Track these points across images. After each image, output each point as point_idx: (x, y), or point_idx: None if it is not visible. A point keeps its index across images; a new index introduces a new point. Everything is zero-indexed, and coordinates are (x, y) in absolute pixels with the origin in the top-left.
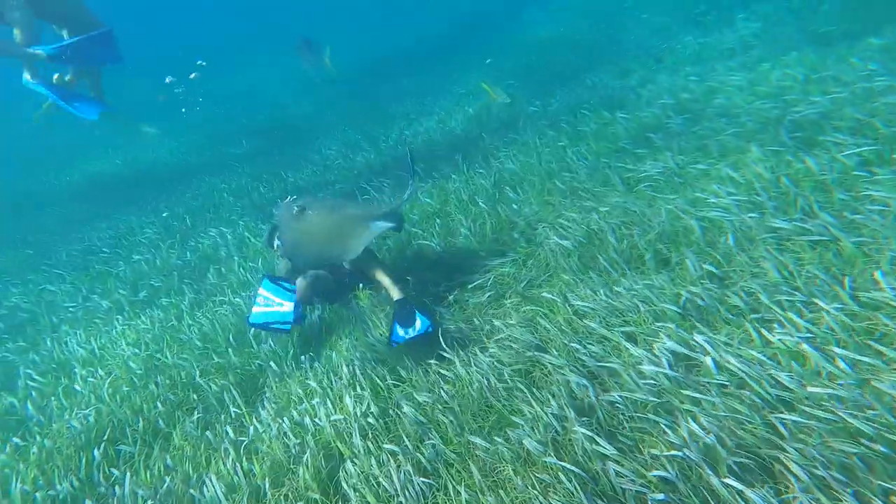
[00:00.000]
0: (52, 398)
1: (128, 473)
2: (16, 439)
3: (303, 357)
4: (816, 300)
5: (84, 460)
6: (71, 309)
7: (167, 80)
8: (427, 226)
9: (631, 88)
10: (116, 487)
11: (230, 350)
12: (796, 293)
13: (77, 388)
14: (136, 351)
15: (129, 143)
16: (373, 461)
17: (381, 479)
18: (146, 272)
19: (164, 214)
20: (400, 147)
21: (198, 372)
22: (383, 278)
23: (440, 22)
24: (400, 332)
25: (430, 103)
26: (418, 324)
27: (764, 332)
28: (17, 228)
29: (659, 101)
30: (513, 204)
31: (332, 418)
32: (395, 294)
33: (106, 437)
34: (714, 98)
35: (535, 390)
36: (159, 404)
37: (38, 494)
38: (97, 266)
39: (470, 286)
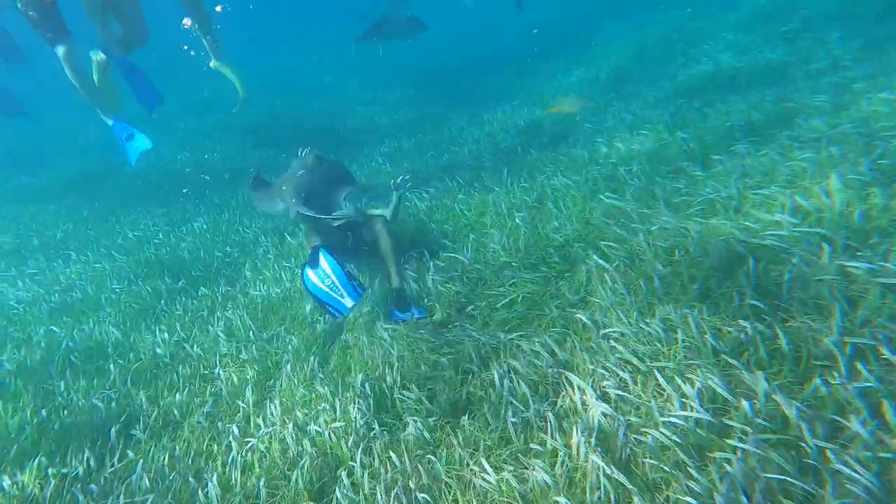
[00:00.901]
0: (83, 377)
1: (140, 461)
2: (43, 412)
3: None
4: (882, 349)
5: (99, 441)
6: (116, 290)
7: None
8: (460, 238)
9: (696, 109)
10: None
11: (254, 347)
12: (858, 339)
13: (110, 368)
14: (166, 337)
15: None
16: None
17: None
18: (188, 261)
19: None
20: (454, 150)
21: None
22: (389, 261)
23: (520, 31)
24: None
25: (483, 112)
26: (414, 313)
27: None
28: (86, 206)
29: (727, 122)
30: (554, 220)
31: (332, 426)
32: (395, 282)
33: (122, 420)
34: (794, 119)
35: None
36: (177, 395)
37: (50, 470)
38: (149, 251)
39: (497, 303)
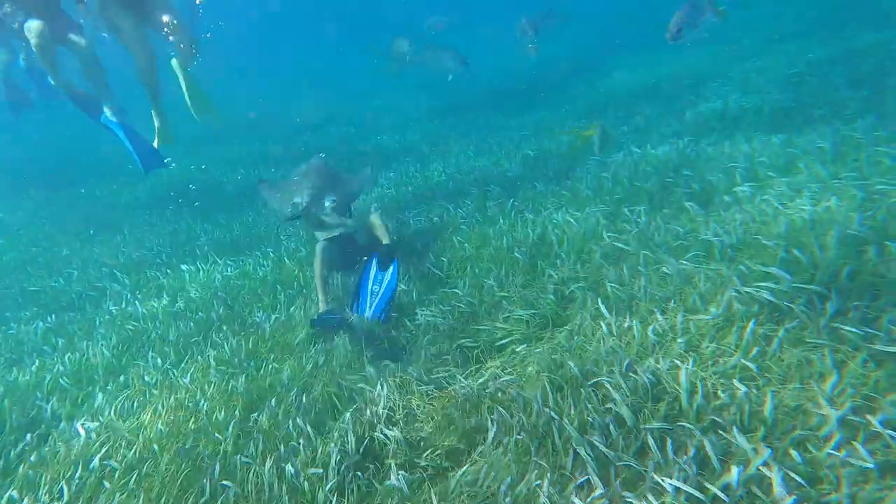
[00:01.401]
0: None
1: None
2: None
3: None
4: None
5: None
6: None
7: None
8: (457, 271)
9: (703, 146)
10: None
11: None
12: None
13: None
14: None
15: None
16: None
17: None
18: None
19: None
20: (459, 178)
21: None
22: (381, 231)
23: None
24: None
25: (491, 139)
26: (388, 274)
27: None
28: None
29: (729, 163)
30: (554, 258)
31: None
32: (385, 239)
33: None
34: (796, 163)
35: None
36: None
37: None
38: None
39: (490, 341)
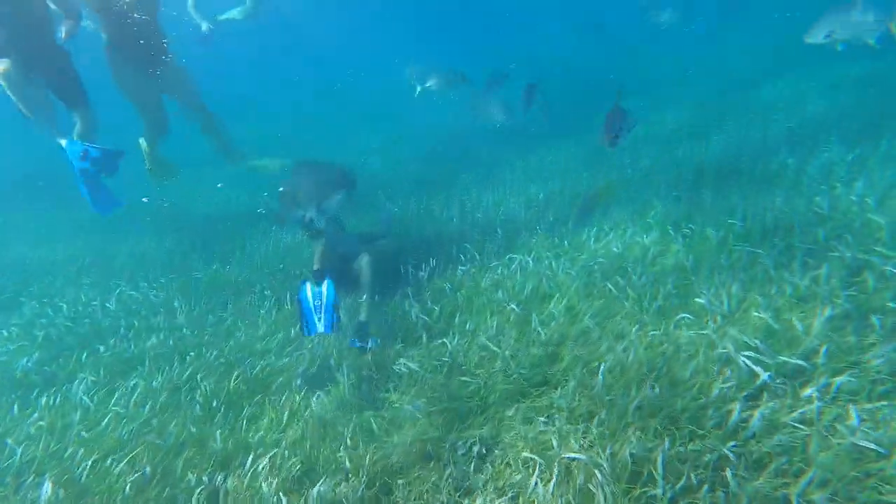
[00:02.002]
0: None
1: None
2: None
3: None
4: None
5: None
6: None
7: None
8: (447, 318)
9: (705, 199)
10: None
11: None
12: None
13: None
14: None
15: None
16: None
17: None
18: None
19: None
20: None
21: None
22: (366, 291)
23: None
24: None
25: (496, 176)
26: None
27: None
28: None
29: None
30: (547, 316)
31: None
32: (363, 315)
33: None
34: (793, 226)
35: None
36: None
37: None
38: None
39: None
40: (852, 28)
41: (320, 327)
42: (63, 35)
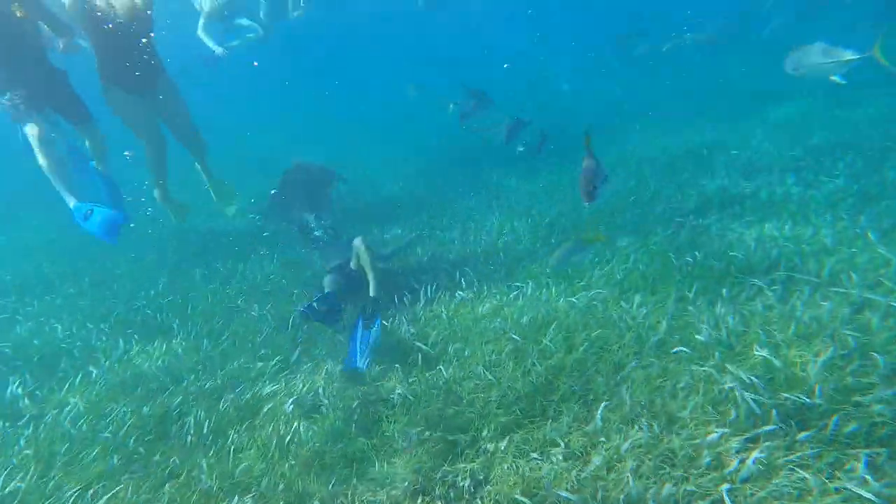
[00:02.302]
0: None
1: None
2: None
3: None
4: None
5: None
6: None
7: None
8: (443, 344)
9: (702, 230)
10: None
11: None
12: None
13: None
14: None
15: None
16: None
17: None
18: None
19: None
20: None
21: None
22: (367, 266)
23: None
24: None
25: (499, 200)
26: (374, 329)
27: None
28: None
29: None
30: (549, 347)
31: None
32: (371, 281)
33: None
34: (793, 259)
35: None
36: None
37: None
38: None
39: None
40: (815, 66)
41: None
42: (60, 48)
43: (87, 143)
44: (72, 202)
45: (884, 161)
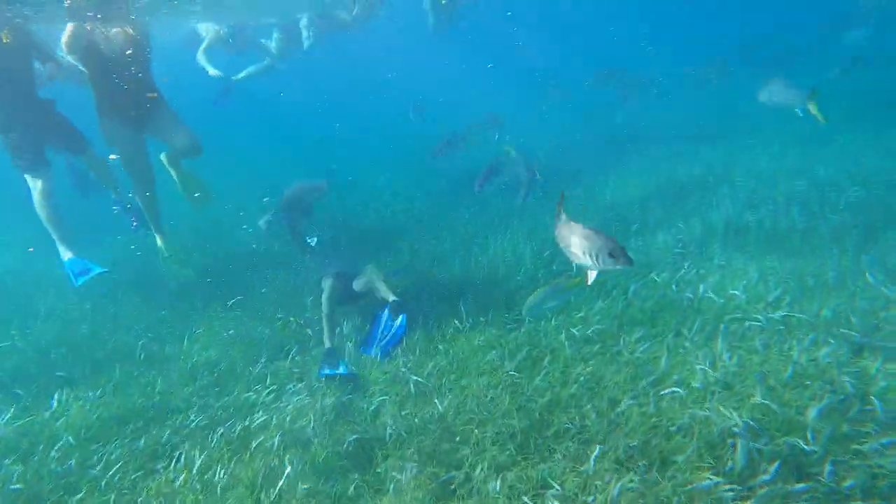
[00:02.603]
0: None
1: None
2: None
3: None
4: None
5: None
6: None
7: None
8: (438, 377)
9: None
10: None
11: None
12: None
13: None
14: None
15: None
16: None
17: None
18: None
19: None
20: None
21: None
22: (382, 286)
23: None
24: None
25: (503, 229)
26: (399, 321)
27: None
28: None
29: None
30: (543, 383)
31: None
32: (390, 296)
33: None
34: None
35: None
36: None
37: None
38: None
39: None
40: (780, 98)
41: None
42: (48, 76)
43: (92, 173)
44: (67, 255)
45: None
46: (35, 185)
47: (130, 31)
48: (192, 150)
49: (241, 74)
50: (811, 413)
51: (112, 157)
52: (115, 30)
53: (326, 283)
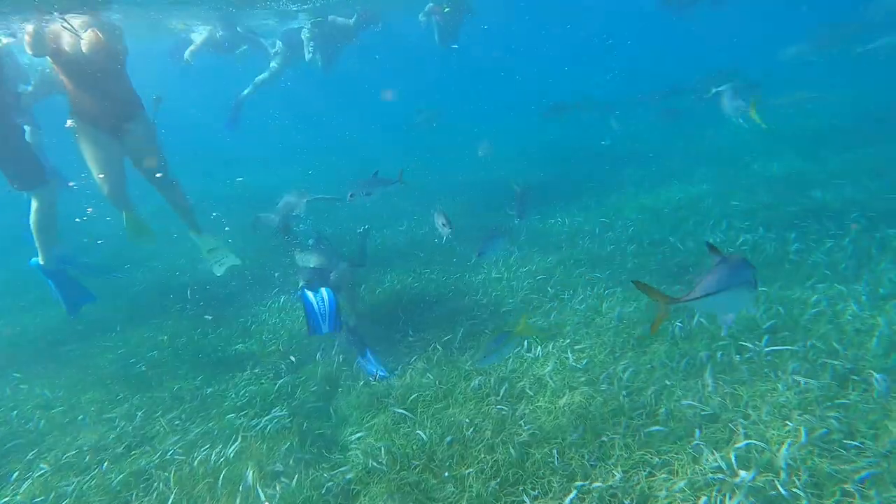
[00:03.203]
0: None
1: None
2: None
3: None
4: None
5: None
6: None
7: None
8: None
9: None
10: None
11: None
12: None
13: None
14: None
15: None
16: None
17: None
18: None
19: None
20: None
21: None
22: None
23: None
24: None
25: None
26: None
27: None
28: None
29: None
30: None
31: None
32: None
33: None
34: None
35: None
36: None
37: None
38: None
39: None
40: (726, 108)
41: (325, 328)
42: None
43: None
44: (41, 260)
45: None
46: (40, 198)
47: (100, 33)
48: (154, 172)
49: (247, 91)
50: (788, 451)
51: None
52: (86, 31)
53: (303, 274)
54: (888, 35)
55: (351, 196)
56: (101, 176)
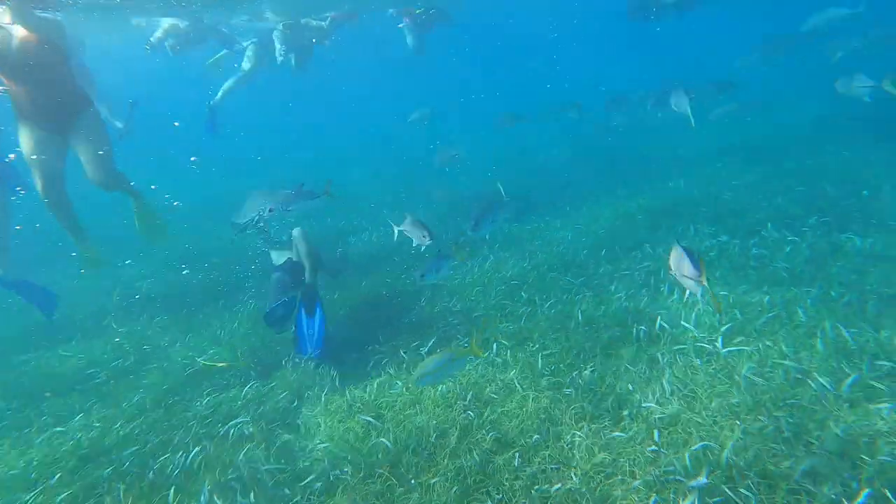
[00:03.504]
0: None
1: None
2: None
3: None
4: None
5: None
6: None
7: None
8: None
9: None
10: None
11: None
12: None
13: None
14: None
15: None
16: None
17: None
18: None
19: None
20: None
21: None
22: (304, 257)
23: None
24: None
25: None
26: (316, 317)
27: None
28: None
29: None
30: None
31: None
32: (308, 276)
33: None
34: None
35: None
36: None
37: None
38: None
39: None
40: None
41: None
42: None
43: None
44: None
45: None
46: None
47: (34, 30)
48: (99, 182)
49: (218, 95)
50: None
51: (11, 156)
52: (15, 26)
53: (273, 277)
54: (844, 43)
55: (270, 210)
56: (38, 178)
